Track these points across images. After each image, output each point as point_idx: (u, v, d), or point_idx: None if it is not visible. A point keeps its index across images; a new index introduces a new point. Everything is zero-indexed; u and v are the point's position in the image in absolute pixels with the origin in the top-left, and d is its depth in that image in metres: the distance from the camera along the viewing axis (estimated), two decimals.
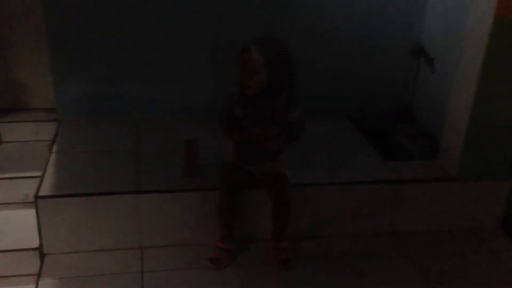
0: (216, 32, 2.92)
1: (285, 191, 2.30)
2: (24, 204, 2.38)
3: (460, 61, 2.49)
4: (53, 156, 2.58)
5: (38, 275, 2.21)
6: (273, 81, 2.12)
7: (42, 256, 2.30)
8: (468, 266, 2.43)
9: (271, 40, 2.14)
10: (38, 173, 2.43)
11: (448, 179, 2.60)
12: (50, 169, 2.46)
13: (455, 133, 2.57)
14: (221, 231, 2.34)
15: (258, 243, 2.45)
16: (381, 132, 3.14)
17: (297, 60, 2.89)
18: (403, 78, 3.23)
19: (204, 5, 2.85)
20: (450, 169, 2.63)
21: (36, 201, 2.24)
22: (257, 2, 2.90)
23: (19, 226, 2.35)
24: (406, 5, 3.05)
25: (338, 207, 2.53)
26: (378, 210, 2.57)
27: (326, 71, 3.13)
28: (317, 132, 2.95)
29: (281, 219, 2.33)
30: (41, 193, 2.27)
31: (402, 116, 3.26)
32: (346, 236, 2.55)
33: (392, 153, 2.95)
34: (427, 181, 2.58)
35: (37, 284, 2.17)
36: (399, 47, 3.14)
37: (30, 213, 2.29)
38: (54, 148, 2.66)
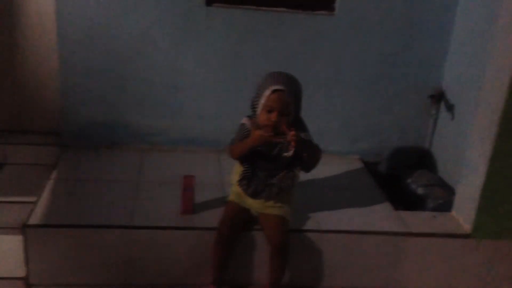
0: (226, 65, 2.85)
1: (282, 235, 2.19)
2: (13, 230, 2.31)
3: (478, 111, 2.35)
4: (50, 182, 2.52)
5: None
6: (294, 117, 2.16)
7: (28, 286, 2.22)
8: None
9: (292, 78, 2.16)
10: (34, 199, 2.38)
11: (461, 235, 2.43)
12: (45, 196, 2.40)
13: (471, 186, 2.42)
14: (214, 274, 2.23)
15: None
16: (396, 178, 3.00)
17: (315, 101, 2.88)
18: (422, 123, 3.10)
19: (214, 39, 2.80)
20: (464, 224, 2.47)
21: (24, 229, 2.17)
22: (270, 43, 2.84)
23: (7, 254, 2.27)
24: (428, 50, 2.93)
25: (341, 256, 2.38)
26: (383, 263, 2.41)
27: (343, 113, 3.03)
28: (328, 175, 2.84)
29: (277, 264, 2.21)
30: (30, 221, 2.20)
31: (419, 162, 3.12)
32: None
33: (405, 202, 2.82)
34: (438, 236, 2.42)
35: None
36: (419, 92, 3.01)
37: (20, 241, 2.22)
38: (53, 174, 2.60)
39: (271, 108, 2.09)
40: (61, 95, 2.83)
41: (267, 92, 2.09)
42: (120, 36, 2.75)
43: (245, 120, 2.23)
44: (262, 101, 2.10)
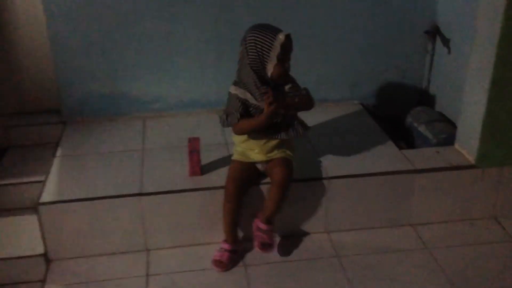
0: (219, 26, 2.82)
1: (285, 171, 2.20)
2: (28, 210, 2.35)
3: (475, 42, 2.34)
4: (56, 160, 2.55)
5: (44, 282, 2.19)
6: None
7: (48, 262, 2.27)
8: (490, 256, 2.31)
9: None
10: (42, 178, 2.41)
11: (466, 166, 2.47)
12: (53, 174, 2.43)
13: (472, 118, 2.44)
14: (226, 231, 2.27)
15: None
16: (397, 118, 3.02)
17: (311, 51, 2.86)
18: (418, 61, 3.08)
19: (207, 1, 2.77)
20: (468, 155, 2.50)
21: (38, 207, 2.21)
22: None
23: (24, 233, 2.33)
24: None
25: (350, 200, 2.43)
26: (393, 202, 2.46)
27: (338, 58, 3.01)
28: (330, 122, 2.86)
29: (273, 198, 2.21)
30: (43, 199, 2.24)
31: (419, 100, 3.12)
32: (360, 230, 2.45)
33: (408, 141, 2.85)
34: (444, 170, 2.45)
35: None
36: (413, 29, 2.99)
37: (35, 219, 2.26)
38: (58, 151, 2.62)
39: (286, 55, 2.04)
40: (55, 73, 2.82)
41: (279, 41, 2.01)
42: (108, 5, 2.71)
43: (233, 89, 2.17)
44: (277, 50, 2.02)
